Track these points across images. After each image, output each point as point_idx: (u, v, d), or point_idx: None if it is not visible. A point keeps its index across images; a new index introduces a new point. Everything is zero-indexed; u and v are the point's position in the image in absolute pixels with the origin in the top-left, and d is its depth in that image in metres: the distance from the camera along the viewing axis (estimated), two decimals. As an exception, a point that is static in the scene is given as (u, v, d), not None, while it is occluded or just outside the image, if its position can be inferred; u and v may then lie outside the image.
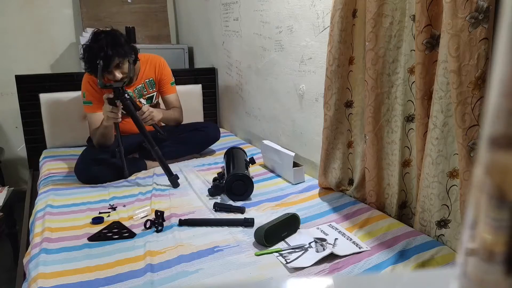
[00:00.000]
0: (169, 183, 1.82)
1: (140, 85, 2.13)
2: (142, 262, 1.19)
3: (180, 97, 2.31)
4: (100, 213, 1.56)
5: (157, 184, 1.84)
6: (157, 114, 2.00)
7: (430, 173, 1.21)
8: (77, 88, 2.40)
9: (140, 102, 2.12)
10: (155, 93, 2.19)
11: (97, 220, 1.47)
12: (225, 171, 1.86)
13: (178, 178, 1.83)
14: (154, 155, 1.86)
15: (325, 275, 1.11)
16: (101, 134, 1.96)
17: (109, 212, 1.56)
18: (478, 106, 1.06)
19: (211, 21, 2.82)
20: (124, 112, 1.85)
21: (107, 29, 1.92)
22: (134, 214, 1.50)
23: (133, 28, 3.05)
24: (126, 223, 1.45)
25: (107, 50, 1.81)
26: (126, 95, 1.81)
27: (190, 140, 2.18)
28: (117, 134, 1.87)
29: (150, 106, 2.07)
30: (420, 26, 1.17)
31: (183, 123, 2.27)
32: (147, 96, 2.16)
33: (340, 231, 1.35)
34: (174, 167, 2.08)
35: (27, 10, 2.96)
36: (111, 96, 1.80)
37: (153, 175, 1.97)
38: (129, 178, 1.93)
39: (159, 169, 2.04)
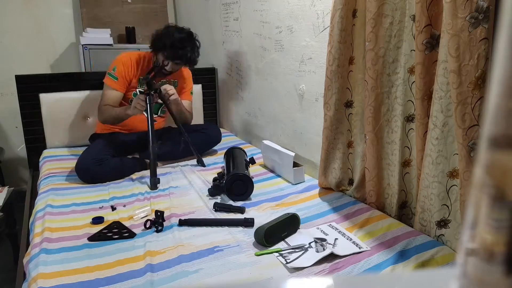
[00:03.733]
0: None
1: (164, 80, 2.20)
2: (142, 262, 1.19)
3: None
4: (100, 207, 1.59)
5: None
6: (176, 95, 2.10)
7: (430, 173, 1.21)
8: (77, 88, 2.41)
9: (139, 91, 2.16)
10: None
11: (97, 220, 1.47)
12: (225, 171, 1.86)
13: (159, 182, 1.83)
14: (151, 150, 1.86)
15: (325, 275, 1.11)
16: (116, 117, 2.04)
17: (114, 208, 1.59)
18: (478, 106, 1.06)
19: (211, 21, 2.82)
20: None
21: (194, 35, 2.10)
22: (134, 214, 1.50)
23: (133, 28, 3.05)
24: (126, 223, 1.45)
25: (194, 56, 2.05)
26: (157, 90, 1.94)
27: (192, 141, 2.18)
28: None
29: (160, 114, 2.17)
30: (420, 26, 1.17)
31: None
32: None
33: (340, 231, 1.35)
34: (174, 167, 2.08)
35: (27, 10, 2.96)
36: (144, 89, 1.93)
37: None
38: (129, 178, 1.93)
39: (159, 170, 2.04)
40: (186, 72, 2.34)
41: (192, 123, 2.40)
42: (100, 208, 1.60)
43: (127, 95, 2.15)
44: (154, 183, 1.80)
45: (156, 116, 2.27)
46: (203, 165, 2.09)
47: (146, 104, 1.87)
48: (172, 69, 2.09)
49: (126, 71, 2.10)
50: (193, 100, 2.42)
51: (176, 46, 1.99)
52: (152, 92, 1.89)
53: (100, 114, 2.11)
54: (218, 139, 2.33)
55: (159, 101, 2.03)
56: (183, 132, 2.04)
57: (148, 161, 2.08)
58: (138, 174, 1.99)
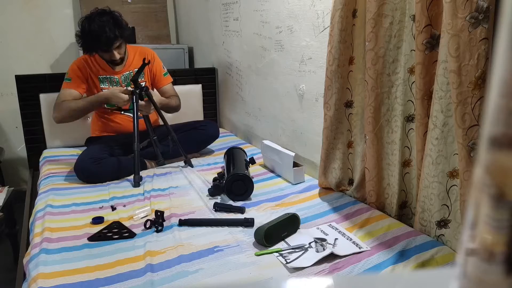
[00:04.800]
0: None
1: (127, 72, 2.17)
2: (142, 262, 1.19)
3: (180, 97, 2.31)
4: (100, 207, 1.59)
5: (156, 185, 1.84)
6: (149, 106, 2.05)
7: (430, 173, 1.21)
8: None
9: (127, 89, 2.13)
10: (143, 83, 2.16)
11: (97, 220, 1.47)
12: (225, 171, 1.86)
13: (141, 180, 1.84)
14: (134, 148, 1.86)
15: (325, 275, 1.11)
16: (80, 109, 2.00)
17: (114, 208, 1.60)
18: (478, 106, 1.06)
19: (211, 21, 2.82)
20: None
21: (106, 9, 1.98)
22: (134, 214, 1.50)
23: (133, 28, 3.05)
24: (126, 223, 1.45)
25: (114, 30, 1.91)
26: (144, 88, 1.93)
27: (189, 139, 2.18)
28: (148, 126, 1.95)
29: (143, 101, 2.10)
30: (420, 26, 1.17)
31: (182, 122, 2.27)
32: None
33: (340, 231, 1.35)
34: (174, 166, 2.08)
35: (27, 10, 2.96)
36: (130, 88, 1.94)
37: (153, 175, 1.97)
38: (129, 178, 1.93)
39: (159, 170, 2.04)
40: (143, 52, 2.21)
41: (190, 120, 2.38)
42: (100, 208, 1.60)
43: (98, 90, 2.13)
44: (136, 181, 1.80)
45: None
46: (190, 165, 2.07)
47: (132, 101, 1.89)
48: (113, 56, 1.99)
49: (80, 71, 2.07)
50: (192, 100, 2.40)
51: (98, 36, 1.88)
52: (137, 91, 1.91)
53: (57, 111, 2.02)
54: (215, 136, 2.32)
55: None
56: (170, 131, 2.01)
57: (147, 161, 2.09)
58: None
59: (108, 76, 2.14)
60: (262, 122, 2.37)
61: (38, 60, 3.04)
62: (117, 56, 2.00)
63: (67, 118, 2.03)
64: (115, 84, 2.15)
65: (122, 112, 2.18)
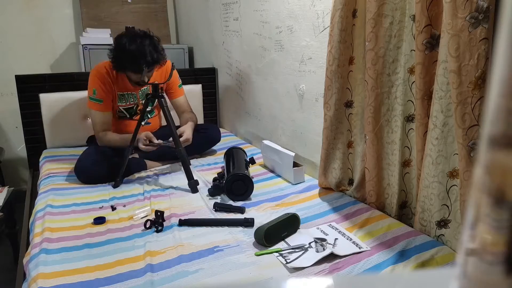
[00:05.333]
0: (188, 188, 1.77)
1: (145, 87, 2.12)
2: (142, 262, 1.19)
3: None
4: (100, 207, 1.60)
5: (156, 185, 1.84)
6: (190, 133, 2.02)
7: (430, 173, 1.21)
8: (77, 88, 2.41)
9: (142, 103, 2.12)
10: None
11: (98, 221, 1.47)
12: (225, 171, 1.85)
13: (198, 184, 1.77)
14: (179, 156, 1.82)
15: (325, 275, 1.11)
16: (117, 145, 1.96)
17: (114, 208, 1.60)
18: (478, 106, 1.06)
19: (211, 21, 2.82)
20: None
21: (147, 32, 1.94)
22: (134, 214, 1.50)
23: (133, 28, 3.04)
24: (126, 223, 1.45)
25: (153, 55, 1.86)
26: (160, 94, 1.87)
27: (191, 141, 2.18)
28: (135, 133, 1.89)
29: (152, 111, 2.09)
30: (420, 26, 1.17)
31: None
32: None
33: (340, 231, 1.35)
34: (174, 166, 2.08)
35: (27, 10, 2.96)
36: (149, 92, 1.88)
37: (153, 175, 1.97)
38: (129, 178, 1.93)
39: (159, 169, 2.04)
40: (166, 67, 2.13)
41: None
42: (100, 208, 1.60)
43: (115, 107, 2.10)
44: (193, 186, 1.75)
45: (150, 118, 2.24)
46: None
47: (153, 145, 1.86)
48: (144, 79, 1.91)
49: (106, 89, 2.00)
50: (192, 100, 2.40)
51: (136, 58, 1.83)
52: (150, 96, 1.87)
53: (99, 140, 2.02)
54: (217, 139, 2.33)
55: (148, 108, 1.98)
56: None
57: (147, 161, 2.09)
58: (138, 174, 1.99)
59: (126, 93, 2.08)
60: (262, 122, 2.37)
61: (38, 60, 3.04)
62: (146, 79, 1.92)
63: (112, 148, 2.00)
64: (132, 100, 2.10)
65: (133, 118, 2.17)
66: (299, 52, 1.89)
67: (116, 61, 1.91)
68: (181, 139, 1.90)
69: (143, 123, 1.94)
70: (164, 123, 2.25)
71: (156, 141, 1.89)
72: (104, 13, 3.07)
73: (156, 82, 1.90)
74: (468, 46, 1.04)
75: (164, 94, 1.89)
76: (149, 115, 2.23)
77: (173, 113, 2.05)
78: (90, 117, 2.08)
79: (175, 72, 2.17)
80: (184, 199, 1.68)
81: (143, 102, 2.12)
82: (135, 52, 1.83)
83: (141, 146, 1.85)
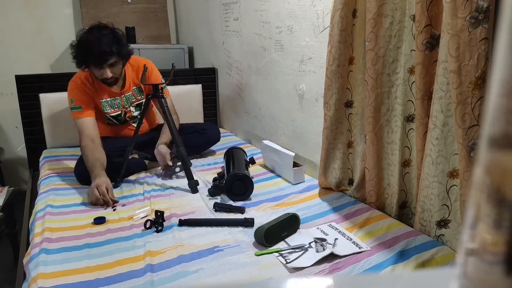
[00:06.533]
0: (188, 188, 1.76)
1: (129, 93, 2.07)
2: (142, 262, 1.19)
3: (180, 97, 2.31)
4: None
5: (156, 185, 1.84)
6: (165, 149, 1.98)
7: (430, 173, 1.21)
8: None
9: (130, 110, 2.11)
10: (143, 100, 2.09)
11: (99, 220, 1.47)
12: (225, 171, 1.85)
13: (198, 184, 1.76)
14: (179, 156, 1.80)
15: (325, 275, 1.11)
16: (86, 164, 1.81)
17: (114, 208, 1.59)
18: (478, 106, 1.06)
19: (211, 21, 2.82)
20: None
21: (108, 25, 1.88)
22: (134, 214, 1.50)
23: (133, 28, 3.05)
24: (126, 223, 1.45)
25: (111, 46, 1.78)
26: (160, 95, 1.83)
27: (191, 142, 2.18)
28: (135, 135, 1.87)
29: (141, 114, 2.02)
30: (420, 26, 1.17)
31: (184, 123, 2.27)
32: (136, 103, 2.12)
33: (340, 231, 1.35)
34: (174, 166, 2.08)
35: (27, 10, 2.96)
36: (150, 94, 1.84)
37: (153, 175, 1.97)
38: (129, 178, 1.93)
39: (159, 169, 2.04)
40: (141, 67, 2.01)
41: (191, 122, 2.39)
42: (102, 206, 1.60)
43: (102, 116, 2.05)
44: (193, 187, 1.74)
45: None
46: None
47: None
48: (105, 74, 1.83)
49: (80, 95, 1.93)
50: (192, 100, 2.39)
51: (92, 49, 1.76)
52: (150, 97, 1.85)
53: (82, 152, 1.87)
54: (217, 139, 2.33)
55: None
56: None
57: (147, 161, 2.09)
58: (138, 174, 1.99)
59: (109, 99, 2.03)
60: (262, 122, 2.37)
61: (38, 60, 3.04)
62: (109, 74, 1.83)
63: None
64: (116, 107, 2.05)
65: (128, 121, 2.15)
66: (299, 52, 1.89)
67: (76, 55, 1.83)
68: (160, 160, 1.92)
69: (133, 125, 1.92)
70: (151, 126, 2.25)
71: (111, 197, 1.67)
72: (104, 13, 3.07)
73: (157, 82, 1.89)
74: (468, 46, 1.04)
75: (164, 94, 1.87)
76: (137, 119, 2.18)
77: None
78: (77, 129, 1.93)
79: (155, 75, 2.06)
80: (184, 199, 1.68)
81: (130, 109, 2.09)
82: (90, 42, 1.76)
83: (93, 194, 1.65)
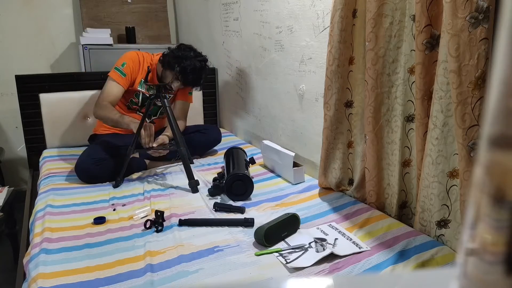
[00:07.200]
0: (188, 187, 1.76)
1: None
2: (142, 262, 1.19)
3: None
4: (112, 205, 1.59)
5: (156, 185, 1.84)
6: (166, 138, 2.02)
7: (430, 173, 1.21)
8: (77, 88, 2.41)
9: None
10: (170, 97, 2.17)
11: (99, 220, 1.47)
12: (225, 171, 1.85)
13: (198, 184, 1.77)
14: (180, 156, 1.82)
15: (325, 275, 1.11)
16: (113, 122, 1.97)
17: (114, 208, 1.59)
18: (478, 106, 1.06)
19: (211, 21, 2.82)
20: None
21: (206, 58, 2.09)
22: (134, 214, 1.50)
23: (133, 28, 3.05)
24: (126, 223, 1.45)
25: (199, 82, 2.04)
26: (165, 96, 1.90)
27: (192, 143, 2.19)
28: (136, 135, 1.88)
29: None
30: (420, 26, 1.17)
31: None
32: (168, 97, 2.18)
33: (340, 231, 1.35)
34: (175, 167, 2.08)
35: (27, 10, 2.96)
36: (153, 93, 1.92)
37: (153, 175, 1.97)
38: (129, 178, 1.93)
39: (159, 169, 2.04)
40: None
41: (192, 124, 2.40)
42: (112, 206, 1.61)
43: (132, 90, 2.14)
44: (194, 186, 1.75)
45: (155, 118, 2.26)
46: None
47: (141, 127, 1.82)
48: (176, 88, 2.06)
49: (134, 68, 2.08)
50: (193, 99, 2.39)
51: (193, 73, 1.98)
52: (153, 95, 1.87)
53: (98, 109, 2.01)
54: (218, 140, 2.34)
55: (158, 103, 2.01)
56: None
57: (148, 161, 2.09)
58: (138, 174, 1.99)
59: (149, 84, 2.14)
60: (262, 122, 2.37)
61: (38, 60, 3.04)
62: (174, 87, 2.03)
63: (104, 122, 2.07)
64: (152, 91, 2.14)
65: (138, 113, 2.19)
66: (299, 52, 1.89)
67: (175, 59, 1.98)
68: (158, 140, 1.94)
69: (146, 120, 1.94)
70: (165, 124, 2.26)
71: (156, 145, 1.87)
72: (104, 13, 3.07)
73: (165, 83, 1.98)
74: (468, 46, 1.04)
75: (167, 95, 1.90)
76: (158, 115, 2.25)
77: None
78: (105, 86, 2.06)
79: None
80: (184, 199, 1.68)
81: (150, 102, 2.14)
82: (194, 68, 1.98)
83: (142, 141, 1.83)
